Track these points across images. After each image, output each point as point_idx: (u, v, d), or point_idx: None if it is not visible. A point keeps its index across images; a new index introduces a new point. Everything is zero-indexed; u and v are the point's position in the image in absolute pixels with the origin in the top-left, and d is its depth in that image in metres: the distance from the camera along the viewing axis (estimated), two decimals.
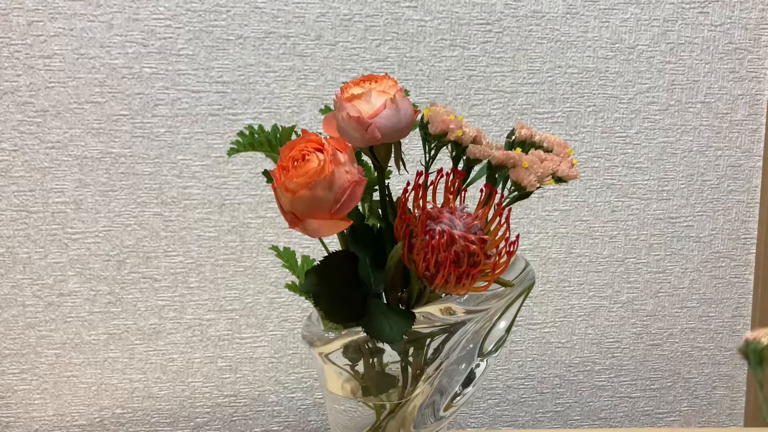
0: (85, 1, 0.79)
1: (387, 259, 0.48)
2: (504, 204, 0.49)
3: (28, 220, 0.83)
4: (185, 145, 0.83)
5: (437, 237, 0.44)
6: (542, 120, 0.88)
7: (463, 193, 0.48)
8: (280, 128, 0.52)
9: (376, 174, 0.51)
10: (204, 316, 0.87)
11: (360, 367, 0.52)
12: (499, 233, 0.46)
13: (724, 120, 0.91)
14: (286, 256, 0.58)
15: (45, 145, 0.81)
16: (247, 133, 0.52)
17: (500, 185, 0.51)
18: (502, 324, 0.53)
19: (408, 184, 0.46)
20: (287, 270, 0.58)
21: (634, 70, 0.88)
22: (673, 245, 0.93)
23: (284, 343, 0.89)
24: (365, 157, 0.52)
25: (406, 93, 0.50)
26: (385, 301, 0.50)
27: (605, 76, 0.88)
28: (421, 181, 0.47)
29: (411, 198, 0.47)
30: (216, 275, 0.86)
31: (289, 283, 0.58)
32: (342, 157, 0.45)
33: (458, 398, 0.54)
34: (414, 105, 0.49)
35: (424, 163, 0.51)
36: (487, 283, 0.46)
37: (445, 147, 0.51)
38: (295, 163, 0.45)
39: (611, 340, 0.95)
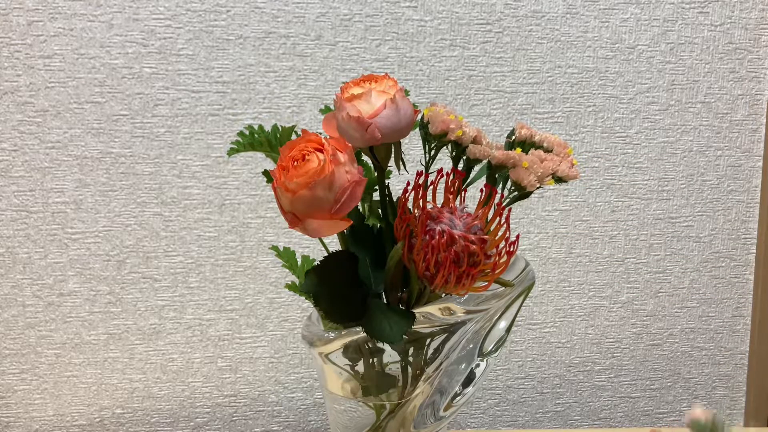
0: (85, 1, 0.79)
1: (387, 259, 0.48)
2: (504, 204, 0.49)
3: (28, 220, 0.83)
4: (185, 145, 0.83)
5: (437, 237, 0.44)
6: (542, 120, 0.88)
7: (463, 193, 0.48)
8: (280, 128, 0.52)
9: (376, 174, 0.51)
10: (204, 316, 0.87)
11: (360, 367, 0.52)
12: (499, 233, 0.46)
13: (724, 120, 0.91)
14: (286, 256, 0.58)
15: (45, 145, 0.81)
16: (247, 133, 0.52)
17: (500, 185, 0.51)
18: (502, 324, 0.53)
19: (408, 184, 0.46)
20: (287, 270, 0.58)
21: (634, 70, 0.88)
22: (673, 245, 0.93)
23: (284, 343, 0.89)
24: (365, 157, 0.52)
25: (406, 93, 0.50)
26: (385, 301, 0.50)
27: (605, 76, 0.88)
28: (421, 181, 0.47)
29: (411, 198, 0.47)
30: (216, 275, 0.86)
31: (289, 283, 0.58)
32: (342, 157, 0.45)
33: (458, 398, 0.54)
34: (414, 105, 0.49)
35: (424, 163, 0.51)
36: (487, 283, 0.46)
37: (445, 147, 0.51)
38: (295, 163, 0.45)
39: (611, 340, 0.95)
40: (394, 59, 0.84)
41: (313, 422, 0.91)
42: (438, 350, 0.51)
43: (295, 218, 0.45)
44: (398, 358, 0.52)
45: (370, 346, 0.51)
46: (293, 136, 0.52)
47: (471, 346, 0.52)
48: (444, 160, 0.51)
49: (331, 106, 0.52)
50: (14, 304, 0.84)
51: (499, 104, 0.86)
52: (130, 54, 0.80)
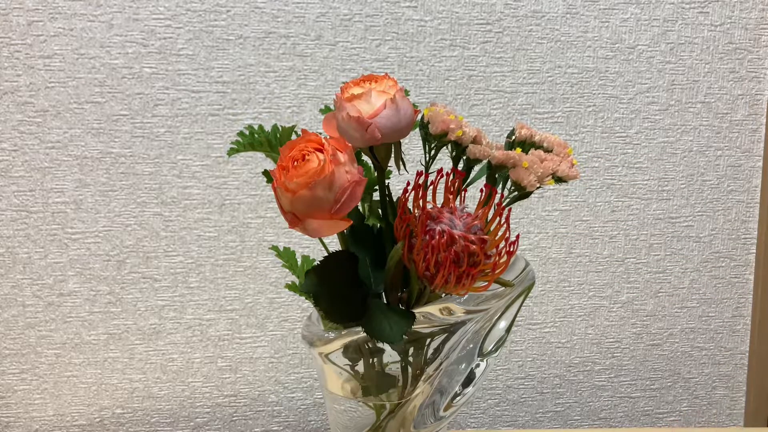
0: (85, 1, 0.79)
1: (387, 259, 0.48)
2: (504, 204, 0.49)
3: (28, 220, 0.83)
4: (185, 145, 0.83)
5: (437, 237, 0.44)
6: (542, 120, 0.88)
7: (463, 193, 0.48)
8: (280, 128, 0.52)
9: (376, 174, 0.51)
10: (204, 316, 0.87)
11: (360, 367, 0.52)
12: (499, 233, 0.46)
13: (724, 120, 0.91)
14: (286, 256, 0.58)
15: (45, 145, 0.81)
16: (247, 133, 0.52)
17: (500, 185, 0.51)
18: (502, 324, 0.53)
19: (408, 184, 0.46)
20: (287, 270, 0.58)
21: (634, 70, 0.88)
22: (673, 245, 0.93)
23: (284, 343, 0.89)
24: (365, 157, 0.52)
25: (406, 93, 0.50)
26: (385, 301, 0.50)
27: (605, 76, 0.88)
28: (421, 181, 0.46)
29: (411, 198, 0.47)
30: (216, 275, 0.86)
31: (289, 283, 0.58)
32: (342, 157, 0.45)
33: (458, 398, 0.54)
34: (414, 105, 0.49)
35: (424, 163, 0.51)
36: (487, 283, 0.46)
37: (445, 147, 0.51)
38: (295, 163, 0.45)
39: (611, 340, 0.95)
40: (394, 59, 0.84)
41: (313, 422, 0.91)
42: (438, 350, 0.51)
43: (295, 218, 0.45)
44: (398, 358, 0.52)
45: (370, 346, 0.51)
46: (293, 136, 0.52)
47: (471, 346, 0.52)
48: (444, 160, 0.51)
49: (331, 106, 0.52)
50: (14, 304, 0.84)
51: (499, 104, 0.86)
52: (130, 54, 0.80)
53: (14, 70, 0.79)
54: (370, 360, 0.52)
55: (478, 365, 0.54)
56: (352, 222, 0.46)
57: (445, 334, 0.50)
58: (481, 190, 0.47)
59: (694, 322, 0.95)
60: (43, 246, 0.83)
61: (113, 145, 0.82)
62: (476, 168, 0.52)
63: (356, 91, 0.47)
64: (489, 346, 0.54)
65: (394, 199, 0.50)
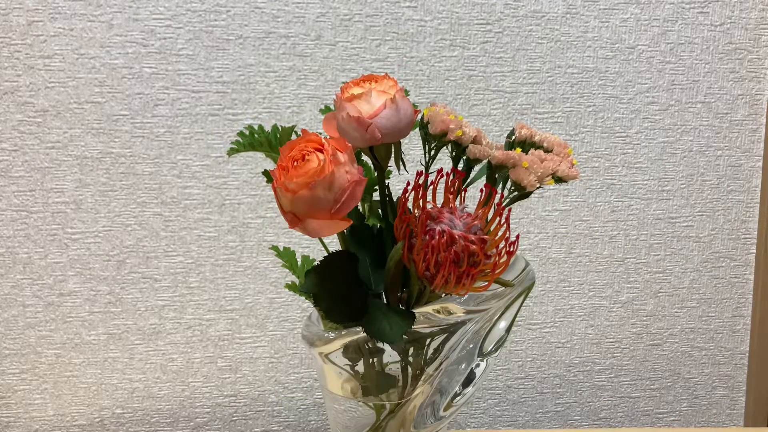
0: (85, 1, 0.79)
1: (387, 259, 0.48)
2: (504, 204, 0.49)
3: (28, 220, 0.83)
4: (185, 145, 0.83)
5: (437, 237, 0.44)
6: (542, 120, 0.88)
7: (463, 193, 0.48)
8: (280, 128, 0.52)
9: (376, 174, 0.51)
10: (204, 316, 0.87)
11: (360, 367, 0.52)
12: (499, 233, 0.46)
13: (724, 120, 0.91)
14: (286, 256, 0.58)
15: (45, 145, 0.81)
16: (247, 133, 0.52)
17: (500, 185, 0.51)
18: (502, 324, 0.53)
19: (408, 184, 0.46)
20: (287, 270, 0.58)
21: (634, 70, 0.88)
22: (673, 245, 0.93)
23: (284, 343, 0.89)
24: (365, 157, 0.52)
25: (406, 93, 0.50)
26: (385, 301, 0.50)
27: (605, 76, 0.88)
28: (421, 181, 0.46)
29: (411, 198, 0.47)
30: (216, 275, 0.86)
31: (289, 283, 0.58)
32: (342, 157, 0.45)
33: (458, 398, 0.54)
34: (414, 105, 0.49)
35: (424, 163, 0.51)
36: (487, 283, 0.46)
37: (445, 147, 0.51)
38: (295, 163, 0.45)
39: (611, 340, 0.95)
40: (394, 59, 0.84)
41: (313, 422, 0.91)
42: (438, 350, 0.51)
43: (295, 218, 0.45)
44: (398, 358, 0.52)
45: (370, 346, 0.51)
46: (293, 136, 0.52)
47: (471, 346, 0.52)
48: (444, 160, 0.51)
49: (331, 106, 0.52)
50: (14, 304, 0.84)
51: (499, 104, 0.86)
52: (130, 54, 0.80)
53: (14, 70, 0.79)
54: (370, 360, 0.52)
55: (478, 365, 0.54)
56: (352, 222, 0.46)
57: (445, 334, 0.50)
58: (481, 190, 0.47)
59: (694, 322, 0.95)
60: (43, 246, 0.83)
61: (113, 145, 0.82)
62: (476, 168, 0.52)
63: (356, 91, 0.47)
64: (489, 346, 0.54)
65: (394, 199, 0.50)
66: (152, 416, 0.89)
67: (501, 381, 0.94)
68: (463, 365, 0.53)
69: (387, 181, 0.51)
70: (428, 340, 0.51)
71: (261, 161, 0.84)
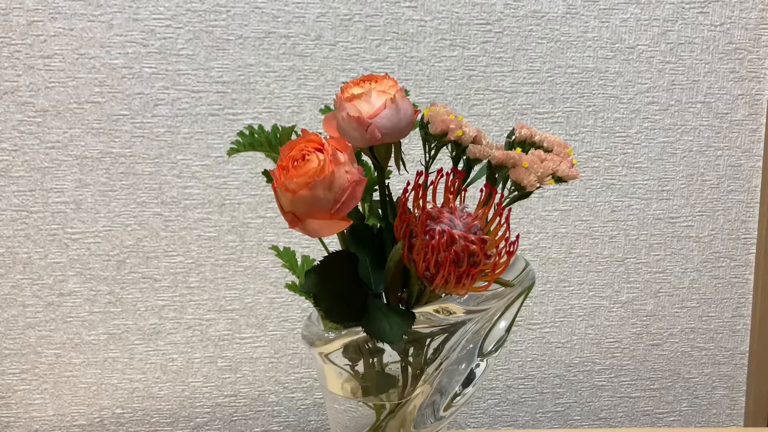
0: (85, 1, 0.79)
1: (387, 259, 0.48)
2: (504, 204, 0.49)
3: (28, 220, 0.83)
4: (185, 145, 0.83)
5: (437, 237, 0.44)
6: (542, 120, 0.88)
7: (463, 193, 0.48)
8: (280, 128, 0.52)
9: (376, 174, 0.51)
10: (204, 316, 0.87)
11: (360, 367, 0.52)
12: (499, 233, 0.46)
13: (724, 120, 0.91)
14: (286, 256, 0.58)
15: (45, 145, 0.81)
16: (247, 133, 0.52)
17: (500, 185, 0.51)
18: (502, 324, 0.53)
19: (408, 184, 0.46)
20: (287, 270, 0.58)
21: (634, 70, 0.88)
22: (673, 245, 0.93)
23: (284, 343, 0.89)
24: (365, 157, 0.52)
25: (406, 93, 0.50)
26: (385, 301, 0.50)
27: (605, 76, 0.88)
28: (421, 181, 0.46)
29: (411, 198, 0.47)
30: (216, 275, 0.86)
31: (289, 283, 0.58)
32: (342, 157, 0.45)
33: (458, 398, 0.54)
34: (414, 105, 0.49)
35: (424, 163, 0.51)
36: (487, 283, 0.46)
37: (445, 147, 0.51)
38: (295, 163, 0.45)
39: (611, 340, 0.95)
40: (394, 59, 0.84)
41: (313, 422, 0.91)
42: (438, 350, 0.51)
43: (295, 218, 0.45)
44: (398, 358, 0.52)
45: (370, 346, 0.51)
46: (293, 136, 0.52)
47: (471, 346, 0.52)
48: (444, 160, 0.51)
49: (331, 106, 0.52)
50: (14, 304, 0.84)
51: (499, 104, 0.86)
52: (130, 54, 0.80)
53: (14, 70, 0.79)
54: (370, 360, 0.52)
55: (478, 365, 0.54)
56: (352, 222, 0.46)
57: (445, 334, 0.50)
58: (481, 190, 0.47)
59: (694, 322, 0.95)
60: (43, 246, 0.83)
61: (113, 145, 0.82)
62: (476, 168, 0.52)
63: (356, 91, 0.47)
64: (489, 346, 0.54)
65: (394, 199, 0.50)
66: (152, 416, 0.89)
67: (501, 381, 0.94)
68: (463, 365, 0.53)
69: (387, 181, 0.51)
70: (428, 340, 0.51)
71: (261, 161, 0.84)
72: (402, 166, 0.51)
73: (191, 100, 0.82)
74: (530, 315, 0.93)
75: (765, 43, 0.89)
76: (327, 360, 0.51)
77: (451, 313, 0.49)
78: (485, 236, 0.45)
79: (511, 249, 0.46)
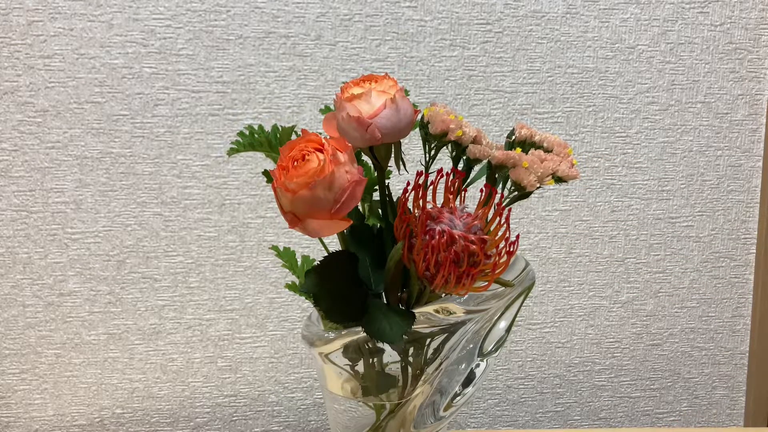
0: (85, 1, 0.79)
1: (387, 259, 0.48)
2: (504, 204, 0.49)
3: (28, 220, 0.83)
4: (185, 145, 0.83)
5: (437, 237, 0.44)
6: (542, 120, 0.88)
7: (463, 193, 0.48)
8: (280, 128, 0.52)
9: (376, 174, 0.51)
10: (204, 316, 0.87)
11: (360, 367, 0.52)
12: (499, 233, 0.46)
13: (724, 120, 0.91)
14: (286, 256, 0.58)
15: (45, 145, 0.81)
16: (247, 133, 0.52)
17: (500, 185, 0.51)
18: (502, 324, 0.53)
19: (408, 184, 0.46)
20: (287, 270, 0.58)
21: (634, 70, 0.88)
22: (673, 245, 0.93)
23: (284, 343, 0.89)
24: (365, 157, 0.52)
25: (406, 93, 0.50)
26: (385, 301, 0.50)
27: (605, 76, 0.88)
28: (421, 181, 0.46)
29: (411, 198, 0.47)
30: (216, 275, 0.86)
31: (289, 283, 0.58)
32: (342, 157, 0.45)
33: (458, 398, 0.54)
34: (414, 105, 0.49)
35: (424, 163, 0.51)
36: (487, 283, 0.46)
37: (445, 147, 0.51)
38: (295, 163, 0.45)
39: (611, 340, 0.95)
40: (394, 59, 0.84)
41: (313, 422, 0.91)
42: (438, 350, 0.51)
43: (295, 218, 0.45)
44: (398, 358, 0.52)
45: (370, 346, 0.51)
46: (293, 136, 0.52)
47: (471, 346, 0.52)
48: (444, 160, 0.51)
49: (331, 106, 0.52)
50: (14, 304, 0.84)
51: (499, 104, 0.86)
52: (130, 54, 0.80)
53: (14, 70, 0.79)
54: (370, 360, 0.52)
55: (478, 365, 0.54)
56: (352, 222, 0.46)
57: (445, 334, 0.50)
58: (481, 190, 0.47)
59: (694, 322, 0.95)
60: (43, 246, 0.83)
61: (113, 145, 0.82)
62: (476, 168, 0.52)
63: (356, 91, 0.47)
64: (489, 346, 0.54)
65: (394, 199, 0.50)
66: (152, 416, 0.89)
67: (501, 381, 0.94)
68: (463, 365, 0.53)
69: (387, 181, 0.51)
70: (428, 340, 0.51)
71: (261, 161, 0.84)
72: (402, 166, 0.51)
73: (191, 100, 0.82)
74: (530, 315, 0.93)
75: (765, 43, 0.89)
76: (327, 360, 0.51)
77: (451, 313, 0.49)
78: (485, 236, 0.45)
79: (511, 249, 0.46)
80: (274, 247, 0.58)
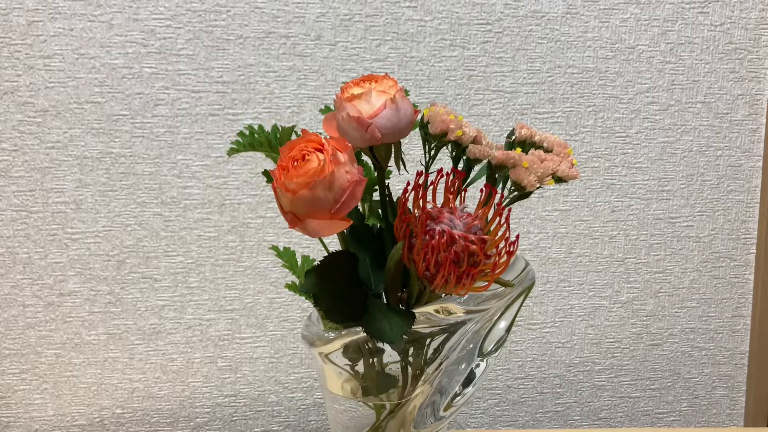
0: (85, 1, 0.79)
1: (387, 259, 0.48)
2: (504, 204, 0.49)
3: (28, 220, 0.83)
4: (185, 145, 0.83)
5: (437, 237, 0.44)
6: (542, 120, 0.88)
7: (463, 193, 0.48)
8: (280, 128, 0.52)
9: (376, 174, 0.51)
10: (204, 316, 0.87)
11: (360, 367, 0.52)
12: (499, 233, 0.46)
13: (724, 120, 0.91)
14: (286, 256, 0.58)
15: (45, 145, 0.81)
16: (247, 133, 0.52)
17: (500, 185, 0.51)
18: (502, 324, 0.53)
19: (408, 184, 0.46)
20: (287, 270, 0.58)
21: (634, 70, 0.88)
22: (673, 245, 0.93)
23: (284, 343, 0.89)
24: (365, 157, 0.52)
25: (406, 93, 0.50)
26: (385, 301, 0.50)
27: (605, 76, 0.88)
28: (421, 181, 0.46)
29: (411, 198, 0.47)
30: (216, 275, 0.86)
31: (289, 283, 0.58)
32: (342, 157, 0.45)
33: (458, 398, 0.54)
34: (414, 105, 0.49)
35: (424, 163, 0.51)
36: (487, 283, 0.46)
37: (445, 147, 0.51)
38: (295, 163, 0.45)
39: (611, 340, 0.95)
40: (394, 59, 0.84)
41: (313, 422, 0.91)
42: (438, 350, 0.51)
43: (295, 218, 0.45)
44: (398, 358, 0.52)
45: (370, 346, 0.51)
46: (293, 136, 0.52)
47: (471, 346, 0.52)
48: (444, 160, 0.51)
49: (331, 106, 0.52)
50: (14, 304, 0.84)
51: (499, 104, 0.86)
52: (130, 54, 0.80)
53: (14, 70, 0.79)
54: (370, 360, 0.52)
55: (478, 365, 0.54)
56: (352, 222, 0.46)
57: (445, 334, 0.50)
58: (481, 190, 0.47)
59: (694, 322, 0.95)
60: (43, 246, 0.83)
61: (113, 145, 0.82)
62: (476, 168, 0.52)
63: (356, 91, 0.47)
64: (489, 346, 0.54)
65: (394, 199, 0.50)
66: (152, 416, 0.89)
67: (501, 381, 0.94)
68: (463, 365, 0.53)
69: (387, 181, 0.51)
70: (428, 340, 0.51)
71: (261, 161, 0.84)
72: (402, 166, 0.51)
73: (191, 100, 0.82)
74: (530, 315, 0.93)
75: (765, 43, 0.89)
76: (327, 360, 0.51)
77: (451, 313, 0.49)
78: (485, 236, 0.45)
79: (511, 249, 0.46)
80: (274, 247, 0.58)
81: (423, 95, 0.85)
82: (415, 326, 0.47)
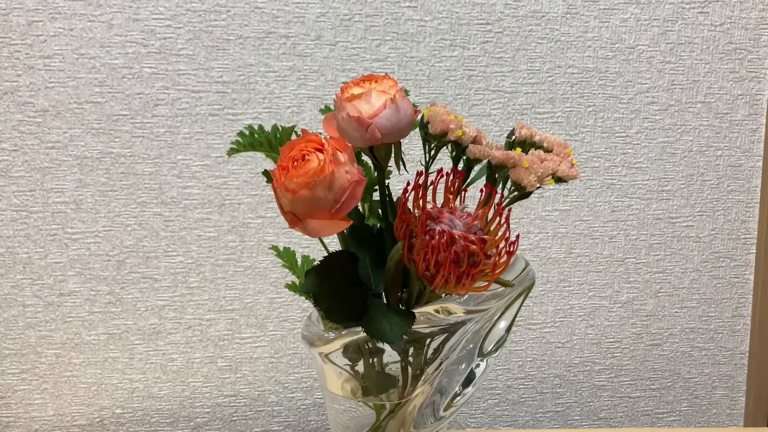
0: (85, 1, 0.79)
1: (387, 259, 0.48)
2: (504, 204, 0.49)
3: (28, 220, 0.83)
4: (185, 145, 0.83)
5: (437, 237, 0.44)
6: (542, 120, 0.88)
7: (463, 193, 0.48)
8: (280, 128, 0.52)
9: (376, 174, 0.51)
10: (204, 316, 0.87)
11: (360, 367, 0.52)
12: (499, 233, 0.46)
13: (724, 120, 0.91)
14: (286, 256, 0.58)
15: (45, 145, 0.81)
16: (247, 133, 0.52)
17: (500, 185, 0.51)
18: (502, 324, 0.53)
19: (408, 184, 0.46)
20: (287, 270, 0.58)
21: (634, 70, 0.88)
22: (673, 245, 0.93)
23: (284, 343, 0.89)
24: (365, 157, 0.52)
25: (406, 93, 0.50)
26: (385, 301, 0.50)
27: (605, 76, 0.88)
28: (421, 181, 0.46)
29: (411, 198, 0.47)
30: (216, 275, 0.86)
31: (289, 283, 0.58)
32: (342, 157, 0.45)
33: (458, 398, 0.54)
34: (414, 105, 0.49)
35: (424, 163, 0.51)
36: (487, 283, 0.46)
37: (445, 147, 0.51)
38: (295, 163, 0.45)
39: (611, 340, 0.95)
40: (394, 59, 0.84)
41: (313, 422, 0.91)
42: (438, 350, 0.51)
43: (295, 218, 0.45)
44: (398, 358, 0.52)
45: (370, 346, 0.51)
46: (293, 136, 0.52)
47: (471, 346, 0.52)
48: (444, 160, 0.51)
49: (331, 106, 0.52)
50: (14, 304, 0.84)
51: (499, 104, 0.86)
52: (130, 54, 0.80)
53: (14, 70, 0.79)
54: (370, 360, 0.52)
55: (478, 365, 0.54)
56: (352, 222, 0.46)
57: (445, 334, 0.50)
58: (481, 190, 0.47)
59: (694, 322, 0.95)
60: (43, 246, 0.83)
61: (113, 145, 0.82)
62: (476, 168, 0.52)
63: (356, 91, 0.47)
64: (489, 346, 0.54)
65: (394, 199, 0.50)
66: (152, 416, 0.89)
67: (501, 381, 0.94)
68: (463, 365, 0.53)
69: (387, 181, 0.51)
70: (428, 340, 0.51)
71: (261, 161, 0.84)
72: (402, 166, 0.51)
73: (191, 100, 0.82)
74: (530, 315, 0.93)
75: (765, 43, 0.89)
76: (327, 360, 0.51)
77: (451, 313, 0.49)
78: (485, 236, 0.45)
79: (511, 249, 0.46)
80: (274, 247, 0.58)
81: (423, 95, 0.85)
82: (415, 326, 0.47)
